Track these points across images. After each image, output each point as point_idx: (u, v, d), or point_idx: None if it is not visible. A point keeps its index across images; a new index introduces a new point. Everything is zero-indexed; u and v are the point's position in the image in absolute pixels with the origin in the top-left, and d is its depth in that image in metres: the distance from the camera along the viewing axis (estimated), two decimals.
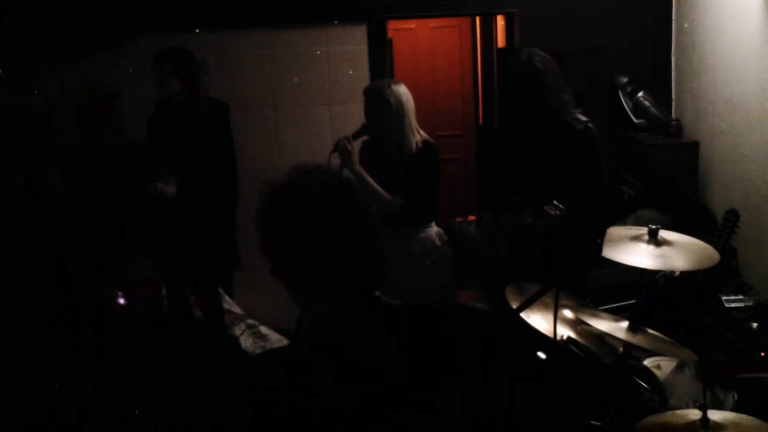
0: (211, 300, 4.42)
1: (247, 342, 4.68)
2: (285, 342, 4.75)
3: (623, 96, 5.03)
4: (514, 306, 2.55)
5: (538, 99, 3.21)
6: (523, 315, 2.55)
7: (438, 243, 3.54)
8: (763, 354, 3.23)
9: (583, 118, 3.27)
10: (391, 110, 3.37)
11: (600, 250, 2.07)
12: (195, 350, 4.24)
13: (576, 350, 2.56)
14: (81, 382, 3.79)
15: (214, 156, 4.05)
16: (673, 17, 5.06)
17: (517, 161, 3.40)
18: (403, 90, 3.42)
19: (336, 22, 5.04)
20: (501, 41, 5.76)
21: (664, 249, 2.34)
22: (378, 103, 3.39)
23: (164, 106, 4.10)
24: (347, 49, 5.09)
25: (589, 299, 2.90)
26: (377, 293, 1.52)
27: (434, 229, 3.57)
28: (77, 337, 4.10)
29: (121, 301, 4.23)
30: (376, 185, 3.37)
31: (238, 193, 4.31)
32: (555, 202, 3.08)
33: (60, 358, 3.96)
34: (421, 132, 3.48)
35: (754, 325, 3.49)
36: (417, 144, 3.42)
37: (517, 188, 3.39)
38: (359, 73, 5.09)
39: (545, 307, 2.64)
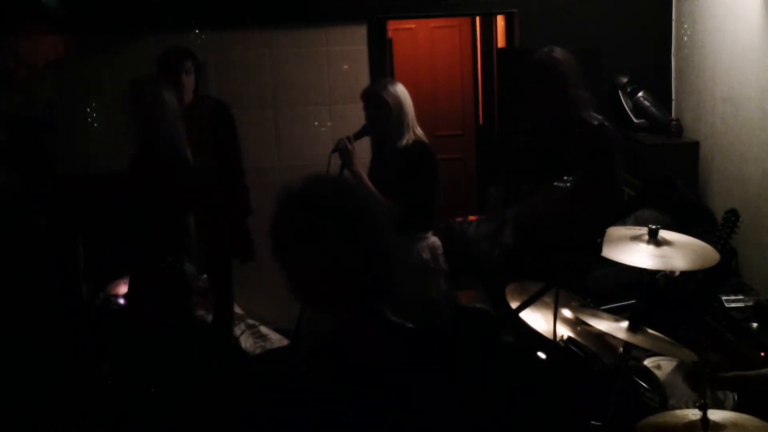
0: (224, 298, 4.41)
1: (247, 342, 4.68)
2: (285, 342, 4.75)
3: (623, 96, 5.03)
4: (514, 306, 2.55)
5: (557, 92, 3.25)
6: (522, 315, 2.54)
7: (428, 256, 3.45)
8: (763, 354, 3.23)
9: (599, 116, 3.31)
10: (391, 111, 3.36)
11: (600, 250, 2.07)
12: (195, 350, 4.24)
13: (576, 350, 2.56)
14: (87, 380, 3.80)
15: (219, 153, 4.07)
16: (673, 17, 5.06)
17: (529, 156, 3.40)
18: (401, 90, 3.42)
19: (336, 22, 5.05)
20: (501, 41, 5.76)
21: (664, 249, 2.34)
22: (377, 104, 3.39)
23: None
24: (347, 49, 5.09)
25: (589, 299, 2.90)
26: (387, 312, 1.52)
27: (430, 241, 3.48)
28: (78, 336, 4.10)
29: (121, 301, 4.22)
30: (373, 189, 3.35)
31: (247, 188, 4.31)
32: (565, 177, 3.09)
33: (61, 357, 3.96)
34: (417, 132, 3.45)
35: (754, 325, 3.49)
36: (408, 141, 3.39)
37: (525, 182, 3.39)
38: (359, 73, 5.09)
39: (545, 307, 2.64)
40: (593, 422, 2.38)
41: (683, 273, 3.12)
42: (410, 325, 1.54)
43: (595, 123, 3.29)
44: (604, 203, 3.24)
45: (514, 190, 3.51)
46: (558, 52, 3.33)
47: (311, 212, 1.49)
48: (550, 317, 2.49)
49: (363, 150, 3.68)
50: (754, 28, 4.00)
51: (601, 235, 2.07)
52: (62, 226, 4.26)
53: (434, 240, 3.52)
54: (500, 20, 5.71)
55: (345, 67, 5.05)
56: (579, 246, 2.13)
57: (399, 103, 3.38)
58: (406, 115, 3.39)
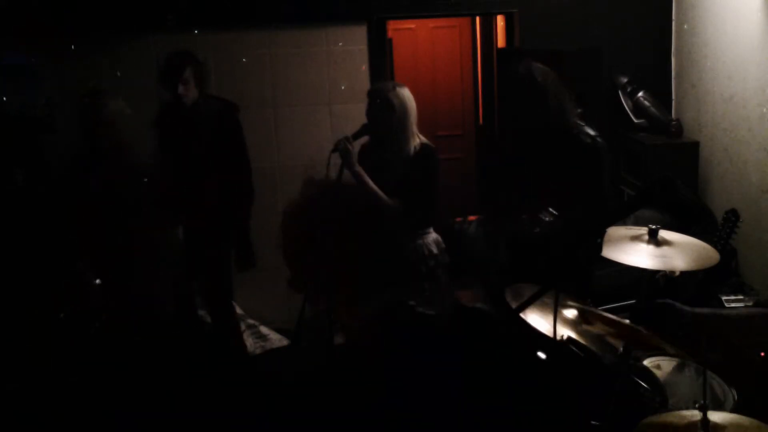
0: (221, 305, 4.36)
1: (247, 342, 4.68)
2: (285, 342, 4.76)
3: (623, 96, 5.03)
4: (514, 306, 2.54)
5: (537, 112, 3.24)
6: (523, 315, 2.54)
7: (435, 250, 3.48)
8: (763, 354, 3.23)
9: (592, 132, 3.28)
10: (395, 112, 3.37)
11: (600, 250, 2.07)
12: (197, 350, 4.23)
13: (576, 350, 2.56)
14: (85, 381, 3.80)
15: (226, 155, 4.06)
16: (673, 17, 5.06)
17: (519, 169, 3.41)
18: (406, 93, 3.43)
19: (336, 22, 5.05)
20: (501, 41, 5.76)
21: (664, 249, 2.34)
22: (382, 104, 3.39)
23: (172, 108, 4.08)
24: (347, 49, 5.09)
25: (589, 299, 2.90)
26: (412, 303, 1.54)
27: (432, 236, 3.52)
28: (76, 338, 4.09)
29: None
30: (375, 187, 3.36)
31: (253, 190, 4.28)
32: (549, 209, 3.11)
33: (58, 358, 3.96)
34: (421, 136, 3.48)
35: None
36: (415, 147, 3.41)
37: (517, 192, 3.40)
38: (359, 73, 5.09)
39: (545, 307, 2.64)
40: (593, 422, 2.38)
41: (683, 273, 3.12)
42: (432, 312, 1.56)
43: (588, 141, 3.26)
44: (594, 220, 3.23)
45: (510, 202, 3.51)
46: (535, 68, 3.26)
47: (322, 220, 1.50)
48: (550, 317, 2.49)
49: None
50: (754, 28, 4.00)
51: (601, 235, 2.07)
52: (61, 226, 4.26)
53: (436, 236, 3.55)
54: (500, 20, 5.71)
55: (363, 67, 5.04)
56: (574, 261, 2.13)
57: (404, 106, 3.39)
58: (409, 119, 3.41)
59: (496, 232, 3.64)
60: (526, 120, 3.30)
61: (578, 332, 2.64)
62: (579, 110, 3.34)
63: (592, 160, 3.26)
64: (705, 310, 2.55)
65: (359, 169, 3.39)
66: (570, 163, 3.24)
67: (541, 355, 2.56)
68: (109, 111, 3.70)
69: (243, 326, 4.78)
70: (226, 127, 4.12)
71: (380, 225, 1.54)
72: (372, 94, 3.46)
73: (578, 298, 2.79)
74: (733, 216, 3.17)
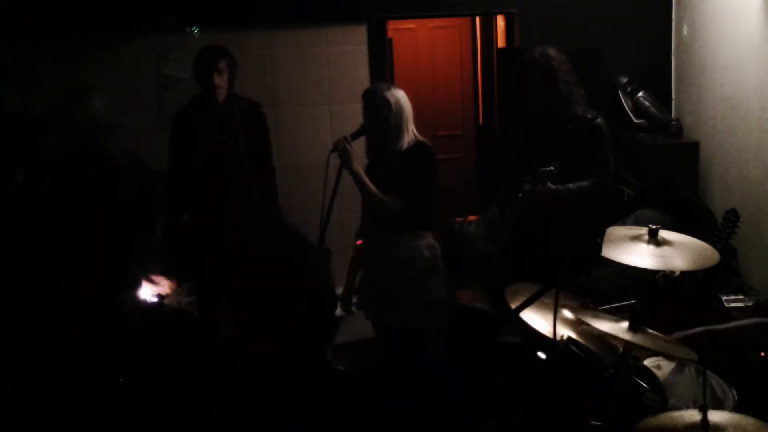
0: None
1: None
2: None
3: (623, 96, 5.04)
4: (514, 306, 2.55)
5: (551, 91, 3.39)
6: (522, 315, 2.54)
7: (427, 254, 3.43)
8: (763, 354, 3.23)
9: (594, 111, 3.46)
10: (391, 110, 3.38)
11: (600, 249, 2.07)
12: (205, 351, 4.22)
13: (576, 350, 2.56)
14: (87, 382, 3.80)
15: (257, 153, 4.05)
16: (673, 17, 5.07)
17: (529, 155, 3.46)
18: (401, 94, 3.45)
19: (336, 22, 5.05)
20: (501, 41, 5.76)
21: (664, 249, 2.34)
22: (378, 103, 3.40)
23: (197, 105, 4.05)
24: (347, 49, 5.09)
25: (589, 299, 2.90)
26: (329, 357, 1.53)
27: (426, 240, 3.47)
28: (76, 338, 4.10)
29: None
30: (373, 188, 3.36)
31: (275, 187, 4.26)
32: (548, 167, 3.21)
33: (60, 354, 3.96)
34: (419, 135, 3.48)
35: None
36: (410, 143, 3.41)
37: (525, 179, 3.45)
38: (359, 73, 5.09)
39: (545, 307, 2.64)
40: (593, 422, 2.38)
41: (683, 273, 3.13)
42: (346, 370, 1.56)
43: (589, 116, 3.39)
44: (601, 195, 3.32)
45: (513, 189, 3.55)
46: (551, 51, 3.46)
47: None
48: (550, 317, 2.49)
49: (360, 150, 3.67)
50: (754, 28, 4.00)
51: (600, 235, 2.07)
52: (60, 225, 4.26)
53: (432, 241, 3.52)
54: (500, 20, 5.71)
55: (363, 67, 5.00)
56: (579, 239, 2.14)
57: (399, 105, 3.40)
58: (405, 118, 3.41)
59: (497, 222, 3.67)
60: (539, 99, 3.43)
61: (578, 332, 2.64)
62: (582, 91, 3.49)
63: (596, 134, 3.41)
64: (696, 330, 2.58)
65: (358, 169, 3.39)
66: (578, 141, 3.35)
67: (541, 355, 2.57)
68: (86, 111, 3.69)
69: None
70: (258, 124, 4.10)
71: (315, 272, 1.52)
72: (367, 95, 3.48)
73: (578, 298, 2.80)
74: (733, 216, 3.17)
